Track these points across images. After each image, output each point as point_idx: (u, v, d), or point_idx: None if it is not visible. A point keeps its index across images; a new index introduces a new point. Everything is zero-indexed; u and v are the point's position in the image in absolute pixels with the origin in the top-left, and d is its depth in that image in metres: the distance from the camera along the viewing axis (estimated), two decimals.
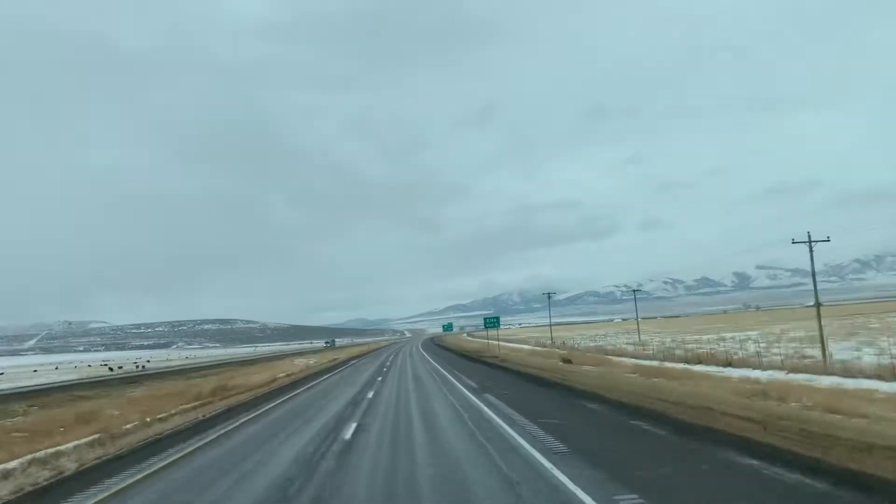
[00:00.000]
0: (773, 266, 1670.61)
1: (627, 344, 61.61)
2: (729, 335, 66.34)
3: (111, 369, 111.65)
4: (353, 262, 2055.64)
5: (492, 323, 64.22)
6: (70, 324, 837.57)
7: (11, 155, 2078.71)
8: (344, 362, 65.62)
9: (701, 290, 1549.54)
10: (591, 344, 66.08)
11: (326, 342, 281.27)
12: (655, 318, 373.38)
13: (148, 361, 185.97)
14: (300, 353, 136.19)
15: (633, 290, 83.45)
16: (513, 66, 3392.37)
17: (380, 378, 40.42)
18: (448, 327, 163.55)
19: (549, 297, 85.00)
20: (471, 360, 53.99)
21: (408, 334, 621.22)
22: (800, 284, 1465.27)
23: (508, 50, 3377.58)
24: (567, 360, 39.88)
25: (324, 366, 57.39)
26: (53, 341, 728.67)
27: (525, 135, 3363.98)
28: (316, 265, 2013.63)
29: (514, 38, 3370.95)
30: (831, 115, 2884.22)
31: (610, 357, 41.73)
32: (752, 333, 66.94)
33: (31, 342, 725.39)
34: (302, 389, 35.97)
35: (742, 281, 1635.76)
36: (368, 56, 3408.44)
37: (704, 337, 66.28)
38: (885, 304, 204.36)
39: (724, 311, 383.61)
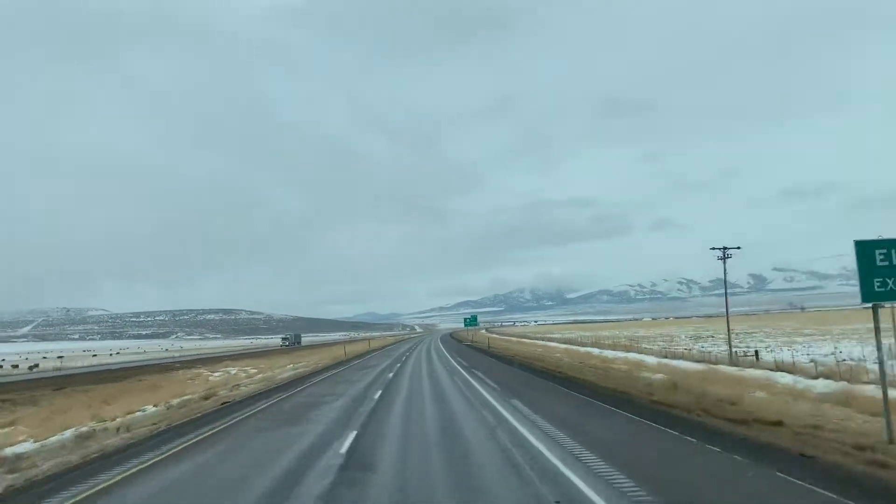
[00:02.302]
0: (789, 268, 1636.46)
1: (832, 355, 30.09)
2: None
3: (15, 366, 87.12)
4: (364, 255, 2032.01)
5: None
6: (68, 311, 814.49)
7: (8, 138, 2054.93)
8: (251, 401, 26.28)
9: (716, 292, 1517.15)
10: (802, 358, 34.98)
11: (285, 338, 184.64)
12: (691, 317, 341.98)
13: (117, 353, 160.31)
14: (245, 355, 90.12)
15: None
16: (529, 60, 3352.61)
17: None
18: (472, 321, 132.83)
19: (728, 258, 42.87)
20: None
21: (419, 329, 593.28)
22: (817, 287, 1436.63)
23: (525, 44, 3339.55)
24: None
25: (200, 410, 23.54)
26: (49, 328, 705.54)
27: (540, 130, 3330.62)
28: (326, 258, 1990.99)
29: (532, 32, 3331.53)
30: (849, 118, 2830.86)
31: None
32: None
33: (26, 329, 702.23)
34: None
35: (758, 283, 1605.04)
36: (382, 46, 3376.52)
37: None
38: None
39: (767, 312, 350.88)
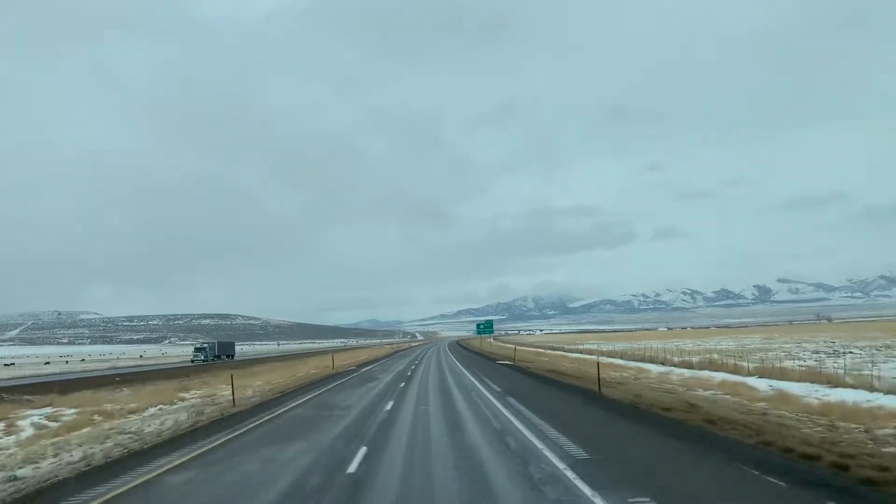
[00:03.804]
0: (794, 280, 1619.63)
1: None
2: None
3: None
4: (366, 262, 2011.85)
5: None
6: (60, 314, 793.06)
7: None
8: None
9: (720, 302, 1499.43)
10: None
11: (199, 350, 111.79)
12: (708, 327, 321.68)
13: (81, 360, 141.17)
14: (149, 375, 58.15)
15: None
16: (534, 66, 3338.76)
17: None
18: (486, 327, 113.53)
19: None
20: None
21: (420, 337, 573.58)
22: (823, 299, 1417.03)
23: (530, 50, 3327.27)
24: None
25: None
26: (39, 332, 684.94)
27: (544, 137, 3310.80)
28: (328, 263, 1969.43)
29: (537, 38, 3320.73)
30: (856, 128, 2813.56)
31: None
32: None
33: (14, 332, 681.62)
34: None
35: (763, 294, 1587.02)
36: (385, 49, 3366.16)
37: None
38: None
39: (790, 322, 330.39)
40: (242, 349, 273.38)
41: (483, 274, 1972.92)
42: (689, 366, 37.00)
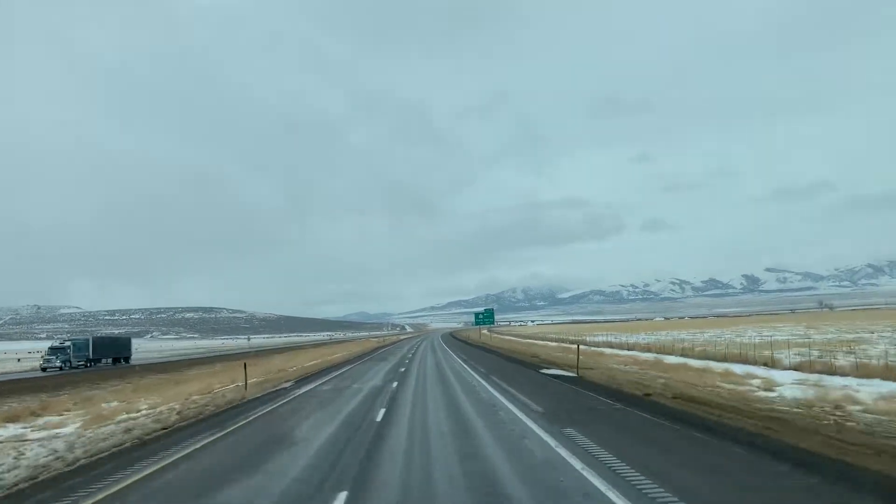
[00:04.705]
0: (782, 269, 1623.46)
1: None
2: None
3: None
4: (355, 255, 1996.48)
5: None
6: (39, 308, 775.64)
7: None
8: None
9: (709, 292, 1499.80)
10: None
11: (54, 349, 70.36)
12: (706, 317, 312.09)
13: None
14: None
15: None
16: (523, 58, 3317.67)
17: None
18: (487, 316, 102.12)
19: None
20: None
21: (409, 329, 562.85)
22: (811, 288, 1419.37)
23: (518, 42, 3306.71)
24: None
25: None
26: (17, 327, 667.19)
27: (533, 129, 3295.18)
28: (316, 257, 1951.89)
29: (525, 30, 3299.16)
30: (844, 118, 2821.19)
31: None
32: None
33: None
34: None
35: (751, 283, 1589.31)
36: (372, 38, 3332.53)
37: None
38: None
39: (792, 311, 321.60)
40: (235, 343, 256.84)
41: (473, 266, 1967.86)
42: (810, 368, 25.09)
